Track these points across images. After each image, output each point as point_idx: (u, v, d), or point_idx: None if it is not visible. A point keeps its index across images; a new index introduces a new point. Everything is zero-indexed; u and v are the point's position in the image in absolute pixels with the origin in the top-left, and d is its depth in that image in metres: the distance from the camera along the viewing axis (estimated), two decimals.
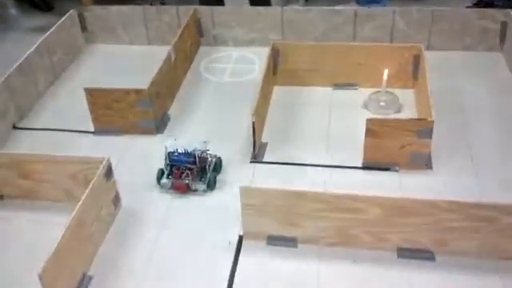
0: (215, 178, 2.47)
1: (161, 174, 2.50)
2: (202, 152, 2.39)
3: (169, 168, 2.47)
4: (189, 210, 2.39)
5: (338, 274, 2.05)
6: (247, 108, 2.67)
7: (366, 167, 2.54)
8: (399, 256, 2.09)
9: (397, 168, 2.49)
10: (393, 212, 2.03)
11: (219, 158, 2.49)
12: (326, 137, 2.76)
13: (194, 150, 2.38)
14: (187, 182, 2.39)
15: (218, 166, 2.49)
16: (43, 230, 2.26)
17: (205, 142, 2.41)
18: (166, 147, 2.47)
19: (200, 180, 2.43)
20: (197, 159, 2.36)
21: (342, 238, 2.13)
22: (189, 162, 2.41)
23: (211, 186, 2.44)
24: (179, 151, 2.40)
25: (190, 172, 2.42)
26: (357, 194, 2.05)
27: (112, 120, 2.82)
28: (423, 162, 2.48)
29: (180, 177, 2.41)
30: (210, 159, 2.43)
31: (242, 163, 2.61)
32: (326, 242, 2.14)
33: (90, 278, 2.10)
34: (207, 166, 2.44)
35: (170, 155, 2.45)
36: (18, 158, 2.38)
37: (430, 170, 2.48)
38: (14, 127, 2.96)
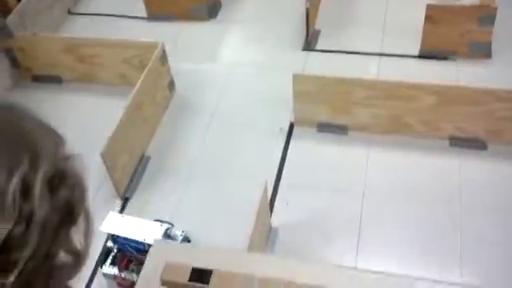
0: None
1: (105, 256, 1.80)
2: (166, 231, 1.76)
3: (115, 251, 1.78)
4: (242, 96, 2.42)
5: (387, 161, 2.07)
6: None
7: (422, 56, 2.46)
8: (451, 144, 2.09)
9: (454, 57, 2.41)
10: (447, 100, 2.00)
11: (187, 237, 1.86)
12: (383, 24, 2.66)
13: (144, 241, 1.67)
14: (134, 278, 1.72)
15: None
16: (101, 112, 2.34)
17: (170, 224, 1.82)
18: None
19: None
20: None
21: (394, 126, 2.13)
22: (139, 251, 1.71)
23: None
24: (127, 236, 1.69)
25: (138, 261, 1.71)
26: (411, 81, 2.02)
27: (164, 5, 2.80)
28: (483, 52, 2.39)
29: (126, 267, 1.76)
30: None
31: (294, 50, 2.58)
32: (377, 129, 2.15)
33: (148, 159, 2.20)
34: None
35: (114, 238, 1.74)
36: (74, 42, 2.42)
37: (489, 60, 2.39)
38: (69, 12, 2.98)
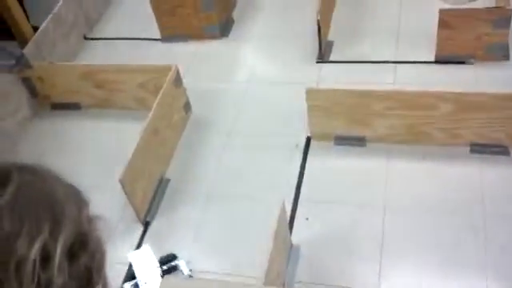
0: None
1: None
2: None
3: None
4: (257, 113, 2.41)
5: (407, 171, 2.05)
6: (312, 6, 2.58)
7: (439, 61, 2.43)
8: (472, 151, 2.05)
9: (472, 61, 2.37)
10: (466, 107, 1.97)
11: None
12: (396, 32, 2.64)
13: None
14: None
15: None
16: (119, 137, 2.36)
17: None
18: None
19: None
20: None
21: (413, 136, 2.10)
22: None
23: None
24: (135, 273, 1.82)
25: None
26: (427, 89, 1.99)
27: (178, 26, 2.81)
28: (500, 53, 2.34)
29: None
30: None
31: (308, 63, 2.57)
32: (396, 140, 2.12)
33: (168, 181, 2.21)
34: None
35: None
36: (90, 69, 2.46)
37: (508, 62, 2.34)
38: (85, 38, 3.03)
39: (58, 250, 0.52)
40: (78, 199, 0.60)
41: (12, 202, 0.52)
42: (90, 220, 0.59)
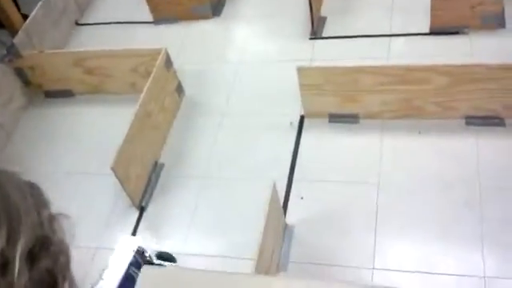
0: None
1: None
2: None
3: None
4: (251, 92, 2.39)
5: (402, 146, 2.02)
6: None
7: (433, 32, 2.38)
8: (468, 123, 2.02)
9: (466, 30, 2.32)
10: (460, 79, 1.93)
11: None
12: (390, 4, 2.58)
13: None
14: None
15: None
16: (113, 123, 2.34)
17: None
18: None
19: None
20: None
21: (407, 111, 2.06)
22: None
23: None
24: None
25: None
26: (420, 63, 1.95)
27: (169, 8, 2.78)
28: (496, 22, 2.29)
29: None
30: None
31: (300, 41, 2.53)
32: (389, 115, 2.09)
33: (162, 166, 2.20)
34: None
35: None
36: (80, 56, 2.44)
37: (503, 30, 2.29)
38: (77, 23, 3.00)
39: (17, 256, 0.50)
40: (36, 200, 0.58)
41: None
42: (52, 220, 0.57)
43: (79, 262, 1.98)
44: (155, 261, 1.82)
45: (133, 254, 1.74)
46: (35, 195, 0.58)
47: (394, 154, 2.00)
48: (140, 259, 1.74)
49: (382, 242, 1.78)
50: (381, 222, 1.83)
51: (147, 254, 1.79)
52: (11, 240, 0.50)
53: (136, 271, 1.71)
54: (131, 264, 1.72)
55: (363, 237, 1.80)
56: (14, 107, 2.53)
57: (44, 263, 0.53)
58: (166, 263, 1.80)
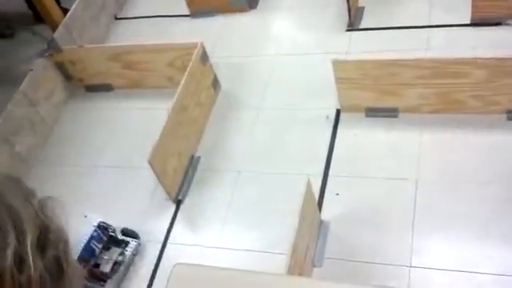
0: None
1: None
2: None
3: None
4: (287, 85, 2.38)
5: (440, 141, 1.98)
6: None
7: (474, 24, 2.31)
8: (509, 118, 1.96)
9: (510, 21, 2.24)
10: (502, 72, 1.87)
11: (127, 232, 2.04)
12: None
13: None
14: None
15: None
16: (151, 116, 2.37)
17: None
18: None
19: None
20: None
21: (446, 105, 2.02)
22: None
23: None
24: None
25: None
26: (460, 56, 1.90)
27: (206, 1, 2.79)
28: None
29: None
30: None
31: (337, 32, 2.50)
32: (429, 109, 2.05)
33: (198, 159, 2.22)
34: None
35: None
36: (118, 51, 2.47)
37: None
38: (116, 18, 3.04)
39: (29, 251, 0.53)
40: (24, 192, 0.59)
41: None
42: (43, 207, 0.58)
43: None
44: (119, 236, 1.98)
45: (93, 228, 1.86)
46: (21, 187, 0.60)
47: (433, 149, 1.97)
48: (102, 234, 1.94)
49: (419, 239, 1.76)
50: (419, 218, 1.80)
51: (111, 229, 1.96)
52: (20, 238, 0.52)
53: (97, 244, 1.87)
54: (92, 237, 1.88)
55: (400, 234, 1.78)
56: (56, 101, 2.59)
57: (50, 251, 0.55)
58: (129, 239, 1.98)
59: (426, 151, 1.97)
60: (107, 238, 1.95)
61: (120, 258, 1.94)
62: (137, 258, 1.99)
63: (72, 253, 0.61)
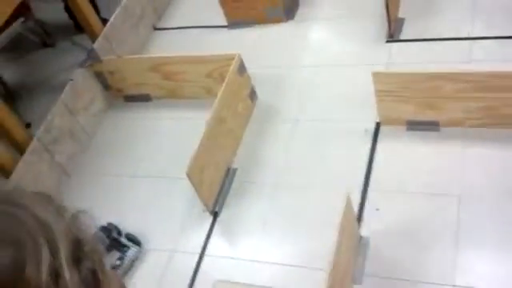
0: None
1: None
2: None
3: None
4: (325, 98, 2.35)
5: (484, 157, 1.92)
6: None
7: None
8: None
9: None
10: None
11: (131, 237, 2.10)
12: (472, 5, 2.46)
13: None
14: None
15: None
16: (189, 127, 2.37)
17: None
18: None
19: None
20: None
21: (490, 119, 1.96)
22: None
23: None
24: None
25: None
26: (503, 69, 1.85)
27: (242, 12, 2.79)
28: None
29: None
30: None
31: (377, 43, 2.46)
32: (472, 123, 1.99)
33: (235, 171, 2.21)
34: None
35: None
36: (157, 61, 2.49)
37: None
38: (155, 28, 3.07)
39: (64, 263, 0.53)
40: (56, 208, 0.59)
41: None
42: (75, 220, 0.58)
43: (155, 265, 2.05)
44: (122, 240, 2.04)
45: (96, 229, 1.91)
46: (52, 203, 0.60)
47: (476, 164, 1.91)
48: (105, 236, 2.02)
49: (463, 257, 1.70)
50: (462, 235, 1.75)
51: (116, 232, 2.04)
52: (54, 252, 0.52)
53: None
54: None
55: (443, 251, 1.73)
56: (95, 110, 2.63)
57: (85, 264, 0.55)
58: (130, 244, 2.04)
59: (470, 166, 1.92)
60: (110, 240, 2.01)
61: (118, 263, 1.99)
62: (145, 265, 2.02)
63: (106, 264, 0.61)
